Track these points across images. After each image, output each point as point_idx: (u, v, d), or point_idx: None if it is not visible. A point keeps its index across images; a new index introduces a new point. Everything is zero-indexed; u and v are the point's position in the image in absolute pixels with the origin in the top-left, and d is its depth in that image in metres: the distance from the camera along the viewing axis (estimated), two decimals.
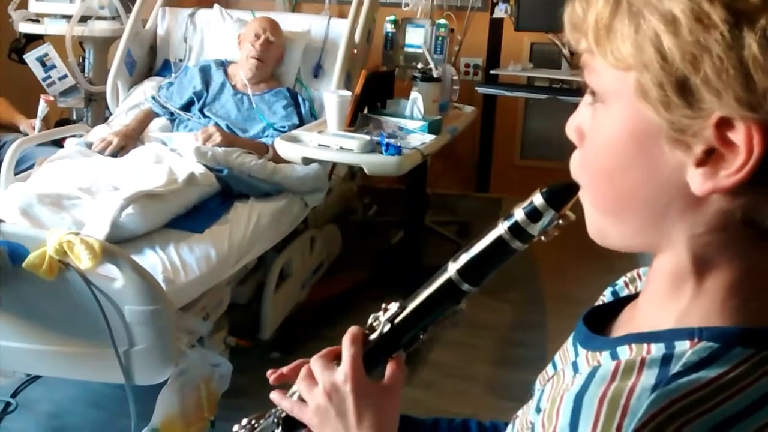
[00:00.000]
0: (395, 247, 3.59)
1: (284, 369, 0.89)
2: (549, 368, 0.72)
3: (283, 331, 2.73)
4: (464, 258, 0.74)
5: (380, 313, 0.81)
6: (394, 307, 0.80)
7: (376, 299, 2.91)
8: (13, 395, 2.24)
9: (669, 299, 0.58)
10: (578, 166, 0.61)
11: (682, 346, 0.54)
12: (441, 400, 2.50)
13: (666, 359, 0.54)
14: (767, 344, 0.54)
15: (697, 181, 0.52)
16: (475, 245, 0.73)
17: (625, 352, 0.57)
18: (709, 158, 0.51)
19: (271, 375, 0.89)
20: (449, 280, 0.75)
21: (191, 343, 2.02)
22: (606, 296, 0.77)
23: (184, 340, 1.98)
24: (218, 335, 2.33)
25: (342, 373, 0.78)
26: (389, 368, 0.83)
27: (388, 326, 0.79)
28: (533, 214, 0.68)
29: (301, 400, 0.82)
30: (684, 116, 0.51)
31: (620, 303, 0.71)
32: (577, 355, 0.64)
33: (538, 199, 0.67)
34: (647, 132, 0.53)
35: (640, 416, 0.50)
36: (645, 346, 0.56)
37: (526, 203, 0.68)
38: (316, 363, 0.82)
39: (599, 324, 0.67)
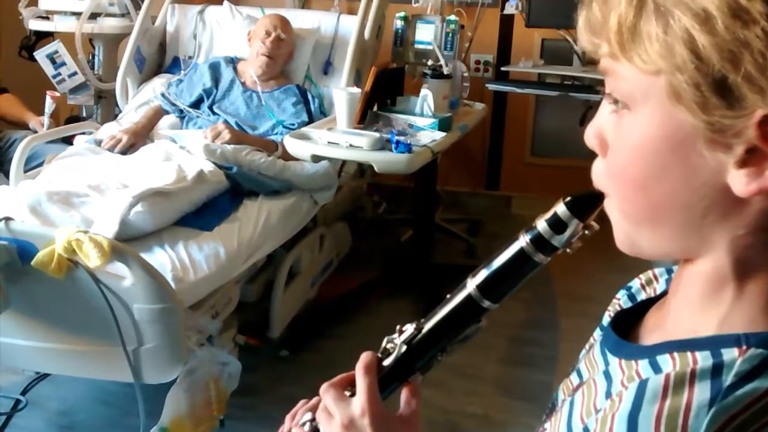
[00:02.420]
0: (405, 245, 3.58)
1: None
2: (573, 377, 0.70)
3: (292, 329, 2.73)
4: (484, 273, 0.70)
5: (395, 335, 0.77)
6: (410, 328, 0.76)
7: (386, 297, 2.91)
8: (23, 393, 2.24)
9: (707, 304, 0.56)
10: (604, 176, 0.59)
11: (730, 354, 0.52)
12: (452, 399, 2.49)
13: (716, 370, 0.52)
14: None
15: (741, 182, 0.50)
16: (495, 260, 0.69)
17: (667, 362, 0.55)
18: (751, 158, 0.50)
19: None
20: (469, 297, 0.71)
21: (200, 342, 2.01)
22: (622, 299, 0.75)
23: (193, 339, 1.97)
24: (227, 334, 2.32)
25: (359, 406, 0.74)
26: (405, 395, 0.79)
27: (404, 348, 0.75)
28: (557, 225, 0.64)
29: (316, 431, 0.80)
30: (723, 116, 0.49)
31: (641, 306, 0.69)
32: (607, 363, 0.62)
33: (561, 209, 0.64)
34: (683, 135, 0.51)
35: None
36: (689, 354, 0.54)
37: (548, 214, 0.65)
38: (327, 394, 0.77)
39: (623, 329, 0.65)
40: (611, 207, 0.60)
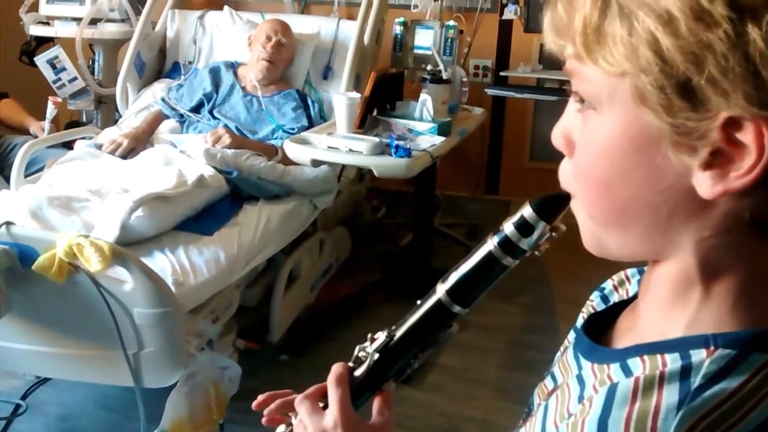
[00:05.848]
0: (404, 250, 3.58)
1: (271, 400, 0.86)
2: (548, 381, 0.70)
3: (292, 333, 2.73)
4: (453, 278, 0.70)
5: (367, 344, 0.76)
6: (381, 336, 0.75)
7: (385, 301, 2.90)
8: (23, 397, 2.24)
9: (676, 306, 0.56)
10: (570, 177, 0.59)
11: (699, 355, 0.52)
12: (451, 403, 2.49)
13: (685, 371, 0.51)
14: None
15: (707, 185, 0.50)
16: (464, 264, 0.69)
17: (637, 365, 0.54)
18: (716, 160, 0.49)
19: (259, 403, 0.86)
20: (439, 303, 0.71)
21: (200, 346, 2.01)
22: (595, 301, 0.75)
23: (194, 343, 1.97)
24: (227, 338, 2.32)
25: (331, 418, 0.74)
26: (377, 404, 0.78)
27: (376, 357, 0.75)
28: (524, 228, 0.64)
29: None
30: (688, 119, 0.49)
31: (613, 309, 0.69)
32: (580, 368, 0.62)
33: (527, 211, 0.63)
34: (648, 137, 0.51)
35: None
36: (659, 357, 0.53)
37: (515, 217, 0.64)
38: (301, 405, 0.77)
39: (596, 332, 0.65)
40: (578, 208, 0.59)
